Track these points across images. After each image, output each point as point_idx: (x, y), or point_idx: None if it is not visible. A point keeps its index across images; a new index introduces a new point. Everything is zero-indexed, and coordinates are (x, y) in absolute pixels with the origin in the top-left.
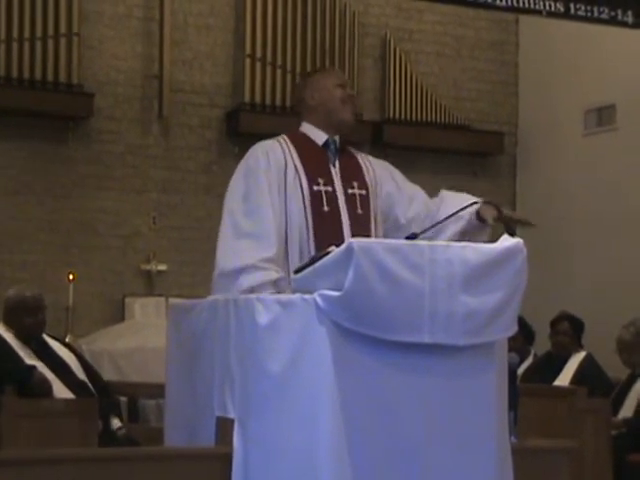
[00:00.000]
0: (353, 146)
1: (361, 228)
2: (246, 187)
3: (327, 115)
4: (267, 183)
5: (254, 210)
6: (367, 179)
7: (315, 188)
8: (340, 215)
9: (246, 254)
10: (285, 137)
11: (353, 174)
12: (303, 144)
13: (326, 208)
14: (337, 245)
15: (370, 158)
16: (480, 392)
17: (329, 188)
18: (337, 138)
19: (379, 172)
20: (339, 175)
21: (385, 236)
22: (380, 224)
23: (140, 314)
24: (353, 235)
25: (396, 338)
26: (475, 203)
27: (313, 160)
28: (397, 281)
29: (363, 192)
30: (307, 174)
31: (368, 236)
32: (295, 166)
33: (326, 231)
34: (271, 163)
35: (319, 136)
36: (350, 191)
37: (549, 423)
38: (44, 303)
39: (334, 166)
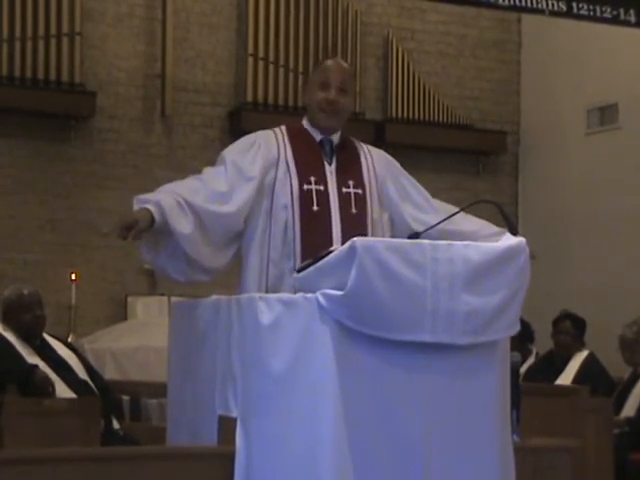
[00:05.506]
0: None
1: (354, 228)
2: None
3: (311, 117)
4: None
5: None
6: (365, 178)
7: (306, 187)
8: (330, 215)
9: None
10: (284, 129)
11: (350, 172)
12: (300, 139)
13: (316, 207)
14: (325, 244)
15: (374, 154)
16: (482, 391)
17: (321, 187)
18: (334, 138)
19: (381, 172)
20: (334, 173)
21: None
22: (383, 225)
23: (142, 313)
24: (343, 235)
25: (398, 337)
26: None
27: (307, 158)
28: (399, 280)
29: (359, 191)
30: (298, 172)
31: (363, 236)
32: (287, 163)
33: (314, 230)
34: (261, 156)
35: (315, 134)
36: (345, 190)
37: (551, 422)
38: (41, 299)
39: (330, 164)
